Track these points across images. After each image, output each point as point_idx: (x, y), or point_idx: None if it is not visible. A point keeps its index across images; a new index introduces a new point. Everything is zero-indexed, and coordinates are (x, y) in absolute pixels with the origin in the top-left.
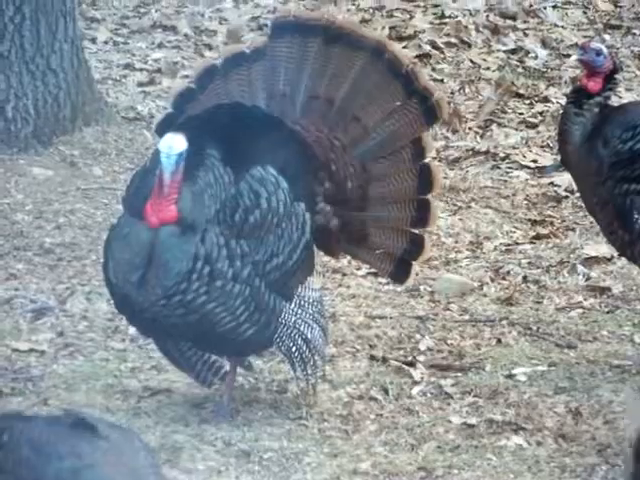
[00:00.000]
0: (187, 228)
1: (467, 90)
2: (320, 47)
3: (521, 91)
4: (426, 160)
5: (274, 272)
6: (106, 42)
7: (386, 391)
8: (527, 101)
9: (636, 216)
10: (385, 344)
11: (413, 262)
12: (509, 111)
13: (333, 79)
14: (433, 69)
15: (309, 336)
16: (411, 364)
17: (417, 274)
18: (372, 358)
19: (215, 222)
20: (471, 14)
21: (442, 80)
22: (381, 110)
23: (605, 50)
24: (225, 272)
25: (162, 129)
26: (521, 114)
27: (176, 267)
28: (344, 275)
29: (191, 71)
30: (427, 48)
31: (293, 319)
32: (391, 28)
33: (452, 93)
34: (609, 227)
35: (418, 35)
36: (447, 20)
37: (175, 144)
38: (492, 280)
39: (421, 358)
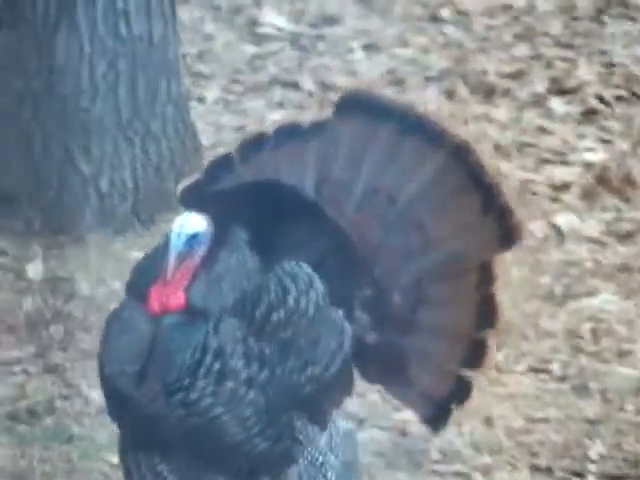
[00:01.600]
0: (197, 315)
1: None
2: (391, 135)
3: None
4: (492, 291)
5: (300, 389)
6: (216, 102)
7: None
8: None
9: None
10: (549, 452)
11: (453, 408)
12: None
13: (400, 175)
14: (601, 127)
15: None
16: (580, 475)
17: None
18: (534, 468)
19: (232, 313)
20: None
21: (611, 140)
22: (451, 222)
23: None
24: (238, 373)
25: (187, 198)
26: None
27: (180, 359)
28: (500, 372)
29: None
30: (593, 102)
31: (320, 459)
32: (551, 80)
33: (623, 155)
34: None
35: (583, 87)
36: (616, 69)
37: (190, 223)
38: None
39: (592, 467)
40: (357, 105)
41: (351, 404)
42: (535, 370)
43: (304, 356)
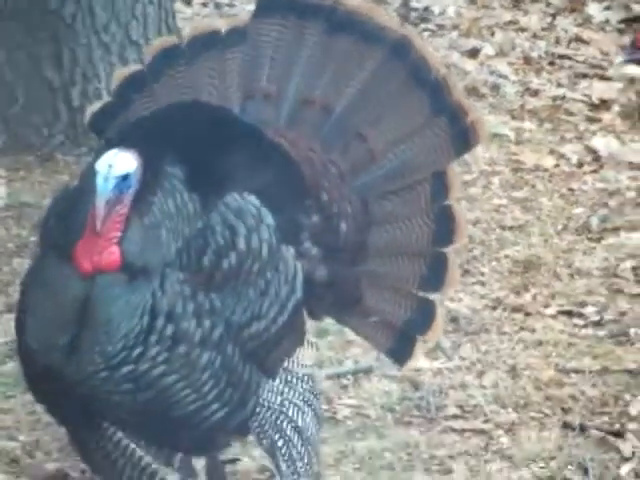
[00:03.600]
0: (137, 274)
1: None
2: (321, 36)
3: None
4: (448, 202)
5: (254, 339)
6: (204, 3)
7: (585, 470)
8: None
9: None
10: (583, 407)
11: (418, 337)
12: None
13: (334, 81)
14: None
15: (300, 423)
16: (618, 434)
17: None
18: (566, 426)
19: (176, 266)
20: None
21: None
22: (395, 129)
23: None
24: (192, 334)
25: (98, 125)
26: None
27: (124, 326)
28: (527, 315)
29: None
30: (638, 8)
31: (278, 399)
32: None
33: None
34: None
35: None
36: None
37: (118, 163)
38: None
39: (632, 426)
40: (279, 4)
41: (355, 350)
42: (567, 314)
43: (250, 309)
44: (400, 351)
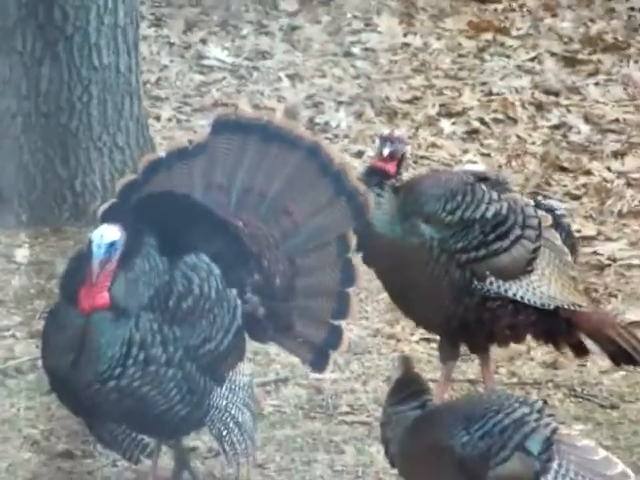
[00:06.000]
0: (120, 314)
1: (514, 164)
2: (258, 144)
3: (565, 164)
4: (349, 255)
5: (206, 356)
6: (169, 120)
7: None
8: (571, 174)
9: (475, 283)
10: None
11: (331, 351)
12: (554, 183)
13: (267, 174)
14: (481, 144)
15: (240, 420)
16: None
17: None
18: None
19: (149, 308)
20: (517, 91)
21: (490, 154)
22: (311, 205)
23: (405, 135)
24: (159, 357)
25: (106, 218)
26: (565, 186)
27: (109, 352)
28: (398, 341)
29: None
30: (476, 124)
31: (224, 402)
32: (441, 105)
33: (499, 167)
34: (441, 307)
35: (467, 112)
36: (494, 97)
37: (107, 234)
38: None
39: None
40: (228, 124)
41: (276, 366)
42: (427, 340)
43: (203, 335)
44: (319, 363)
